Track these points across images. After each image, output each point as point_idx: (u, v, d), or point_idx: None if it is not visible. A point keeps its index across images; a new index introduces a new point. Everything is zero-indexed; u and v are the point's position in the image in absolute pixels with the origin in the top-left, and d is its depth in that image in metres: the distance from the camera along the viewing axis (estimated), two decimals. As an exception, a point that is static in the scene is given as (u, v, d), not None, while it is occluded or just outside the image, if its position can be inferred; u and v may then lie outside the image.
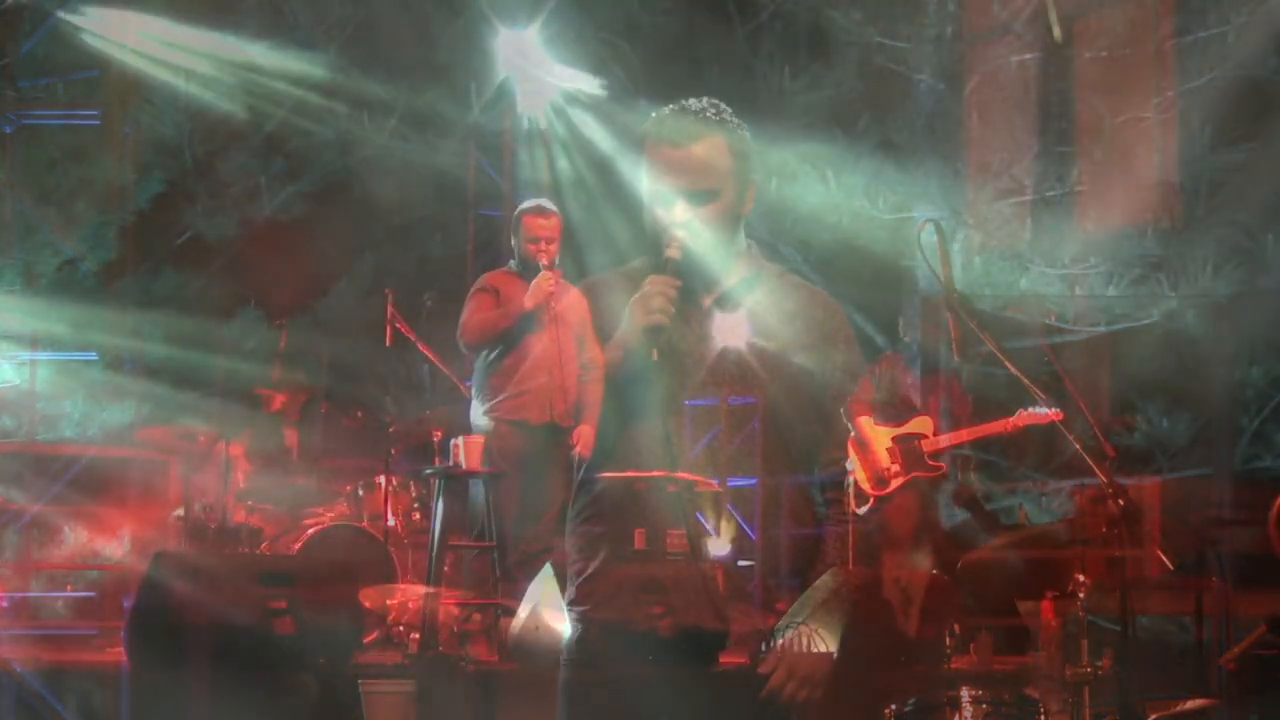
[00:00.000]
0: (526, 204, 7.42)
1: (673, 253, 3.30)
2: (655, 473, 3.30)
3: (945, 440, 7.53)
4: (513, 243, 7.33)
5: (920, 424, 7.60)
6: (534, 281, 6.97)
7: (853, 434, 7.75)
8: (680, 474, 3.30)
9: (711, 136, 3.33)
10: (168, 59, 10.00)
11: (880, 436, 7.57)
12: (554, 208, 7.39)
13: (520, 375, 7.15)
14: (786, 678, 3.28)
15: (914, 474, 7.51)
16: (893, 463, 7.48)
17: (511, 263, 7.34)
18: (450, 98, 10.54)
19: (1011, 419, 7.30)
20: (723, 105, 3.43)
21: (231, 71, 10.14)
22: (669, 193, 3.31)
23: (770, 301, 3.41)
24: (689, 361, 3.36)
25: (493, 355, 7.22)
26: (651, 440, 3.36)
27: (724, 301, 3.39)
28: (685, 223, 3.29)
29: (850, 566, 3.66)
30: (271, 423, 8.93)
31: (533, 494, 7.22)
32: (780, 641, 3.32)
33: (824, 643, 3.44)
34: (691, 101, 3.42)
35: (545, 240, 7.11)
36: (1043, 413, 6.78)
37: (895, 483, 7.53)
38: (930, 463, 7.52)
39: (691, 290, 3.35)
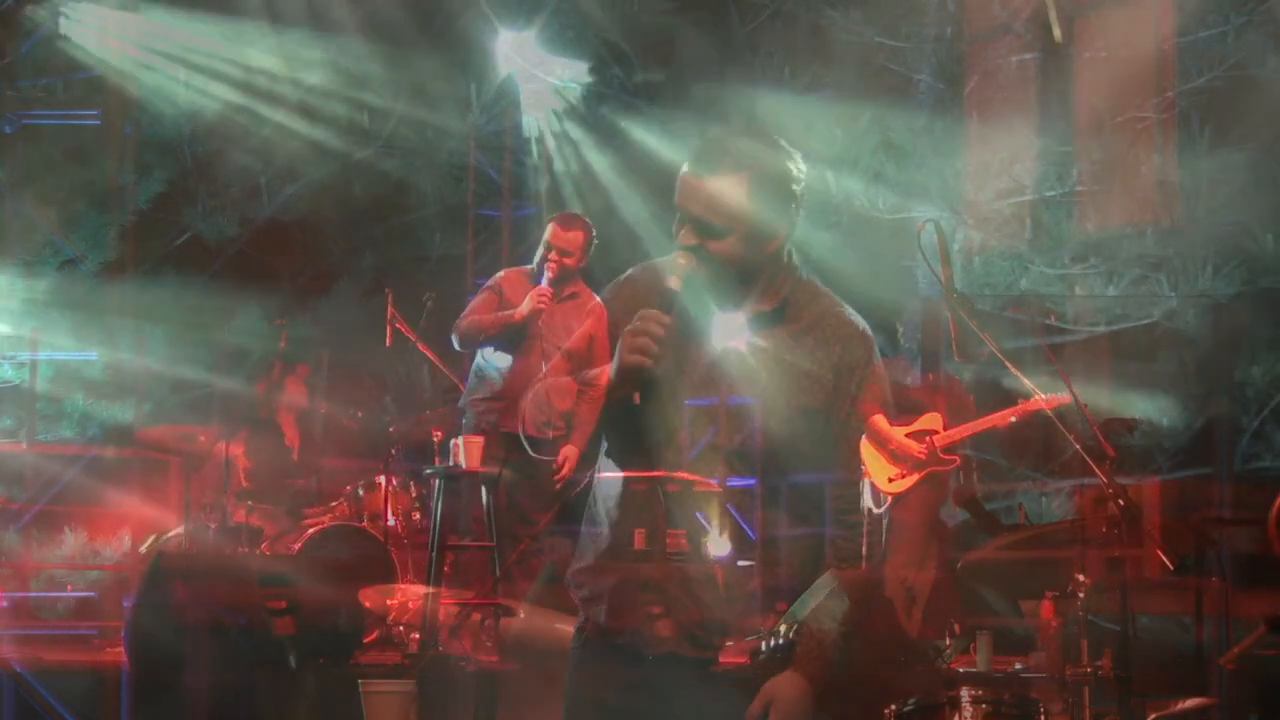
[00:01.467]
0: (561, 213, 7.45)
1: (673, 283, 3.16)
2: (656, 473, 3.29)
3: (957, 433, 7.58)
4: None
5: (930, 420, 7.65)
6: (528, 296, 6.97)
7: (866, 434, 7.78)
8: (680, 474, 3.29)
9: (732, 174, 3.16)
10: (167, 59, 10.02)
11: (895, 432, 7.62)
12: (582, 221, 7.33)
13: (501, 383, 7.17)
14: None
15: (929, 469, 7.55)
16: (915, 452, 7.53)
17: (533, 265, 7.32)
18: (450, 98, 10.54)
19: (1019, 406, 7.34)
20: (766, 137, 3.29)
21: (231, 72, 10.15)
22: (682, 216, 3.20)
23: (783, 339, 3.31)
24: (691, 387, 3.28)
25: (487, 351, 7.25)
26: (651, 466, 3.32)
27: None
28: (693, 248, 3.17)
29: (864, 567, 3.65)
30: (271, 423, 8.93)
31: (520, 496, 7.20)
32: (766, 685, 3.29)
33: (825, 640, 3.44)
34: (730, 130, 3.29)
35: (559, 251, 7.05)
36: (1049, 397, 6.82)
37: (911, 479, 7.58)
38: (944, 456, 7.57)
39: (696, 324, 3.23)
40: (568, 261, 7.05)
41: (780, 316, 3.31)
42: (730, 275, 3.22)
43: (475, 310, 7.18)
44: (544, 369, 6.95)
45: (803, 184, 3.32)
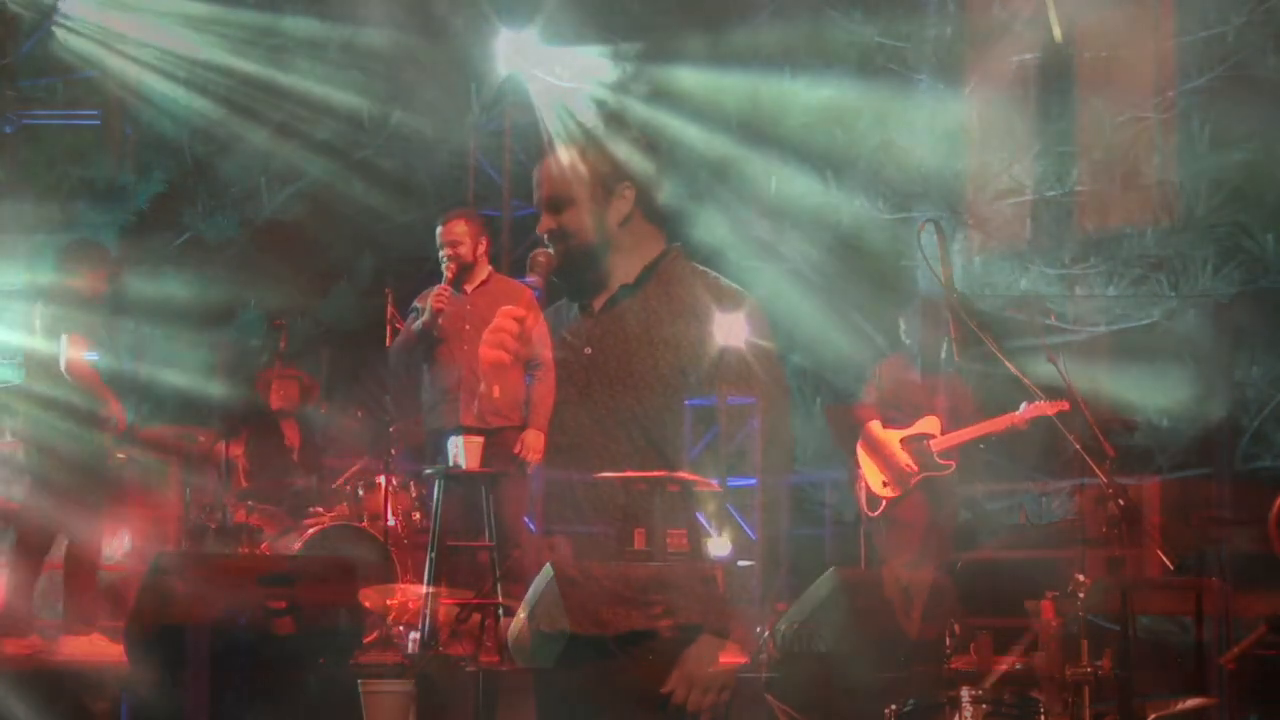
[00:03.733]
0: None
1: (532, 280, 3.41)
2: (655, 473, 3.32)
3: (954, 438, 7.55)
4: None
5: (928, 424, 7.61)
6: (428, 299, 7.03)
7: (862, 438, 7.78)
8: (680, 474, 3.32)
9: (564, 147, 3.42)
10: (167, 59, 10.02)
11: (889, 439, 7.59)
12: (462, 212, 7.37)
13: (433, 383, 7.23)
14: (688, 689, 3.31)
15: (925, 474, 7.52)
16: (904, 465, 7.50)
17: None
18: (450, 98, 10.54)
19: (1019, 413, 7.33)
20: (578, 122, 3.51)
21: (231, 71, 10.15)
22: (536, 208, 3.43)
23: (655, 305, 3.42)
24: (574, 369, 3.44)
25: (420, 366, 7.34)
26: (560, 446, 3.46)
27: (607, 309, 3.43)
28: (547, 231, 3.38)
29: (863, 568, 3.68)
30: (272, 423, 8.94)
31: (477, 498, 7.17)
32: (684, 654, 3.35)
33: (821, 643, 3.46)
34: (553, 123, 3.54)
35: (450, 245, 7.07)
36: (1049, 404, 6.80)
37: (907, 484, 7.54)
38: (940, 461, 7.53)
39: (571, 298, 3.45)
40: (460, 252, 7.02)
41: (641, 285, 3.43)
42: (588, 250, 3.40)
43: (400, 335, 7.28)
44: (462, 358, 7.01)
45: (645, 158, 3.49)
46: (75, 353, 7.23)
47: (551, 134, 3.46)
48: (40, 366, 7.32)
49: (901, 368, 7.84)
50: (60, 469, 7.16)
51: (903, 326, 8.00)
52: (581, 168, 3.42)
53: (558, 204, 3.40)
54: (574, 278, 3.44)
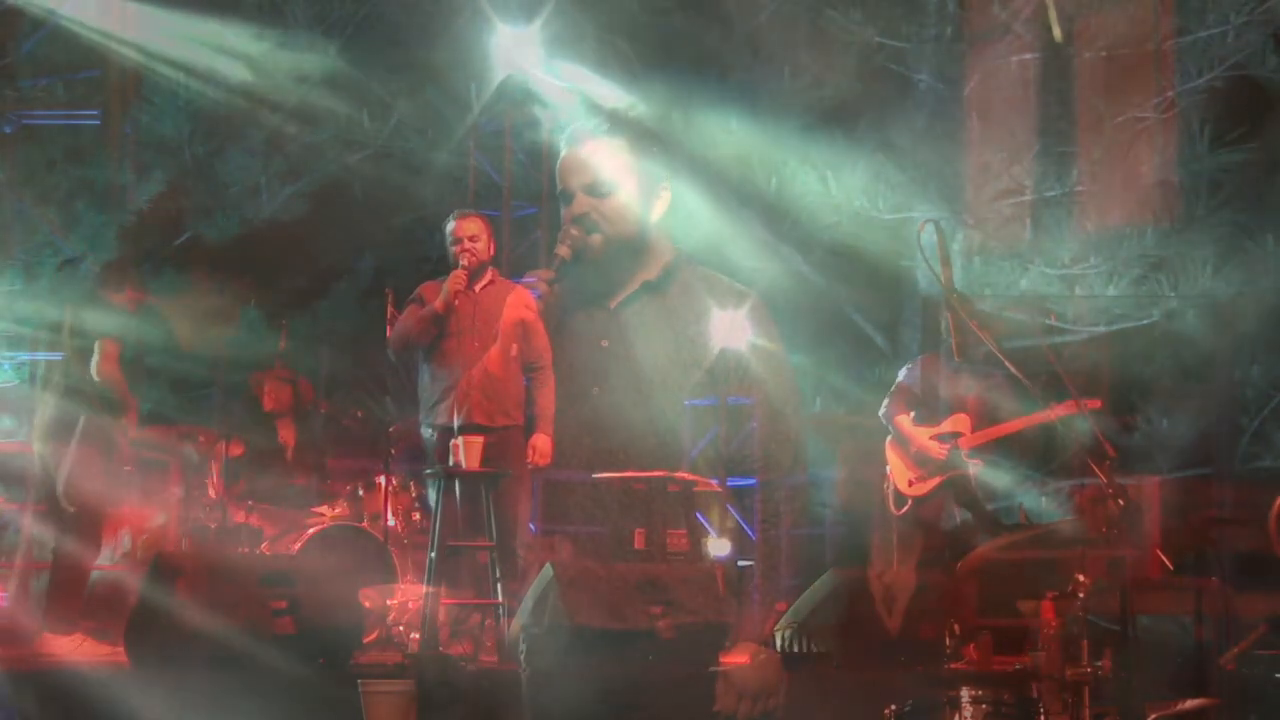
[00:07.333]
0: (455, 212, 7.60)
1: (562, 250, 3.37)
2: (655, 473, 3.31)
3: (983, 436, 7.52)
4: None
5: (957, 422, 7.58)
6: (444, 284, 7.12)
7: (891, 435, 7.76)
8: (680, 474, 3.31)
9: (608, 138, 3.39)
10: (168, 57, 10.02)
11: (919, 434, 7.56)
12: (475, 212, 7.61)
13: (436, 380, 7.26)
14: (737, 700, 3.30)
15: (952, 472, 7.51)
16: (935, 454, 7.47)
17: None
18: (450, 98, 10.54)
19: (1048, 411, 7.27)
20: (626, 114, 3.49)
21: (231, 71, 10.15)
22: (569, 191, 3.38)
23: (673, 305, 3.42)
24: (589, 361, 3.42)
25: (421, 365, 7.36)
26: (566, 436, 3.45)
27: (627, 304, 3.42)
28: (582, 215, 3.34)
29: (896, 568, 3.67)
30: (271, 423, 8.93)
31: (478, 497, 7.18)
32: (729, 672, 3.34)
33: (822, 644, 3.45)
34: (597, 110, 3.53)
35: (468, 239, 7.21)
36: (1080, 402, 6.76)
37: (932, 482, 7.53)
38: (968, 461, 7.52)
39: (592, 290, 3.41)
40: (476, 246, 7.22)
41: (664, 284, 3.42)
42: (626, 241, 3.35)
43: (402, 319, 7.34)
44: (472, 352, 7.08)
45: (668, 167, 3.49)
46: (106, 358, 7.53)
47: (594, 122, 3.40)
48: (72, 369, 7.57)
49: (937, 365, 7.78)
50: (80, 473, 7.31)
51: (943, 324, 7.97)
52: (626, 157, 3.38)
53: (600, 188, 3.35)
54: (603, 269, 3.40)
